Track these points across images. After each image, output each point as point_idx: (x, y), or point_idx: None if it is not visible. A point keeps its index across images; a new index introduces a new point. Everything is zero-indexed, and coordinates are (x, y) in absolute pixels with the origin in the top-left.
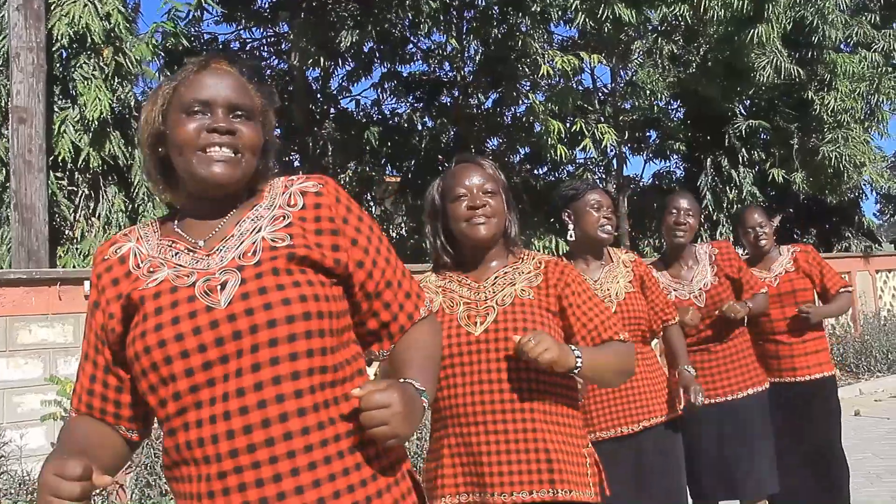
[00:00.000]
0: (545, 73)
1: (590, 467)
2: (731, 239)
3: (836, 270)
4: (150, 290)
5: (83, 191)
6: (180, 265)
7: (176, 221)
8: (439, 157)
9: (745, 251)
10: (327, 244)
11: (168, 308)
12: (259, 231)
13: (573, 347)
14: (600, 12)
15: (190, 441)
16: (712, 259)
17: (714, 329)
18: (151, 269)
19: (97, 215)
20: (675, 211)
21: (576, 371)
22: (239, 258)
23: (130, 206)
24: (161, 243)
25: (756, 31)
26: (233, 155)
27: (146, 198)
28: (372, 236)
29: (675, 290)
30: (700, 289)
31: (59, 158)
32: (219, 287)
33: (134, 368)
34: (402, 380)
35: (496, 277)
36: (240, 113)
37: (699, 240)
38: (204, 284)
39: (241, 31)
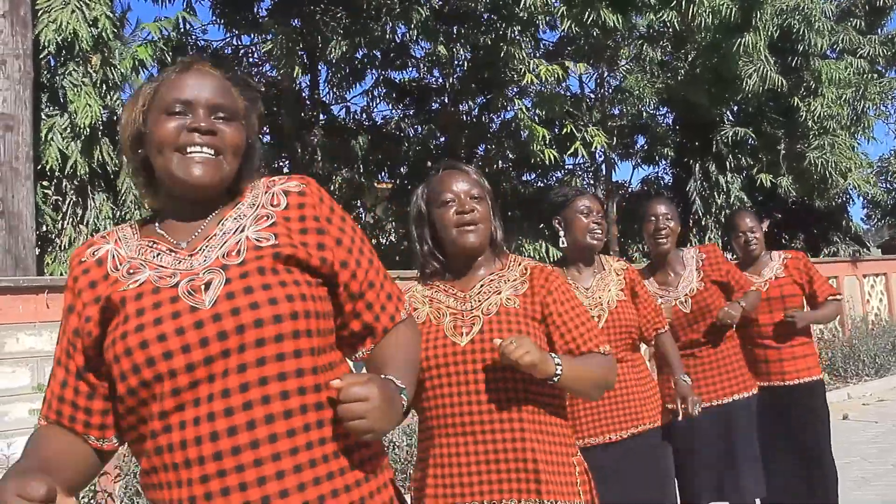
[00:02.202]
0: (530, 81)
1: (579, 476)
2: (721, 244)
3: (825, 278)
4: (132, 290)
5: (71, 198)
6: (162, 266)
7: (157, 223)
8: (429, 163)
9: (736, 255)
10: (313, 243)
11: (150, 309)
12: (243, 231)
13: (553, 356)
14: (586, 17)
15: (172, 444)
16: (699, 264)
17: (702, 334)
18: (132, 271)
19: (85, 222)
20: (653, 218)
21: (555, 380)
22: (223, 257)
23: (118, 212)
24: (141, 244)
25: (743, 41)
26: (213, 156)
27: (133, 205)
28: (355, 237)
29: (661, 296)
30: (686, 294)
31: (48, 167)
32: (203, 287)
33: (113, 370)
34: (382, 375)
35: (482, 285)
36: (221, 114)
37: (688, 244)
38: (187, 284)
39: (233, 38)
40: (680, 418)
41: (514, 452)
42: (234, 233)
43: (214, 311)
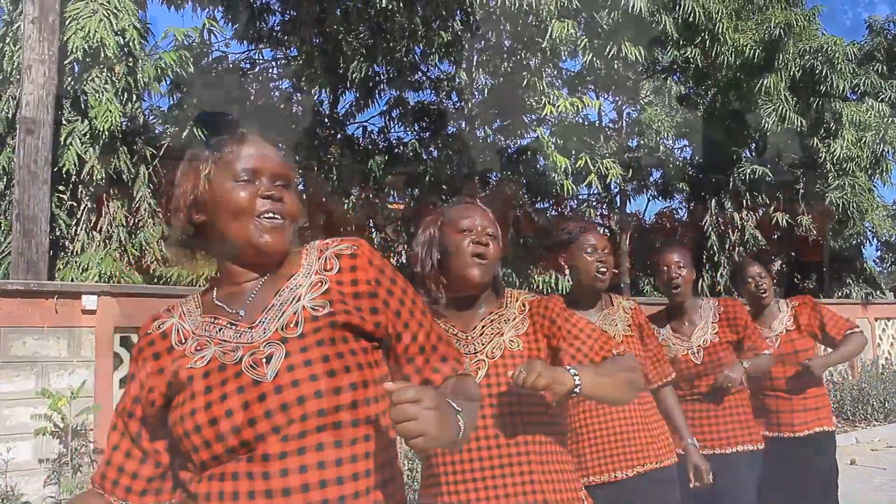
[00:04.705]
0: (549, 113)
1: None
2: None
3: (838, 315)
4: (199, 369)
5: (86, 204)
6: (225, 340)
7: (215, 292)
8: (443, 186)
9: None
10: (366, 307)
11: (218, 386)
12: (299, 300)
13: (568, 367)
14: (608, 51)
15: (238, 492)
16: (717, 316)
17: (710, 388)
18: (199, 348)
19: (98, 229)
20: (665, 268)
21: (577, 390)
22: (282, 329)
23: (132, 220)
24: (205, 320)
25: (765, 81)
26: (281, 221)
27: (146, 213)
28: (405, 299)
29: (673, 344)
30: (699, 346)
31: (64, 171)
32: (264, 360)
33: (183, 444)
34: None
35: (483, 326)
36: (280, 182)
37: (700, 280)
38: (250, 358)
39: (252, 52)
40: (692, 485)
41: (524, 496)
42: (290, 303)
43: (276, 384)
